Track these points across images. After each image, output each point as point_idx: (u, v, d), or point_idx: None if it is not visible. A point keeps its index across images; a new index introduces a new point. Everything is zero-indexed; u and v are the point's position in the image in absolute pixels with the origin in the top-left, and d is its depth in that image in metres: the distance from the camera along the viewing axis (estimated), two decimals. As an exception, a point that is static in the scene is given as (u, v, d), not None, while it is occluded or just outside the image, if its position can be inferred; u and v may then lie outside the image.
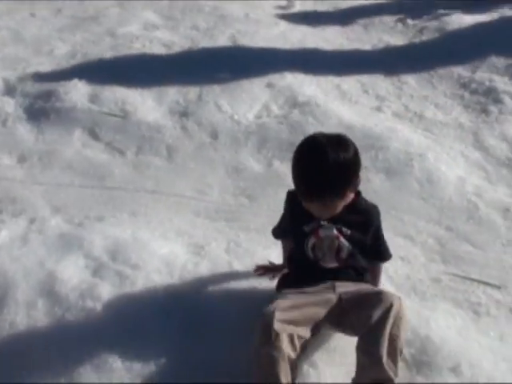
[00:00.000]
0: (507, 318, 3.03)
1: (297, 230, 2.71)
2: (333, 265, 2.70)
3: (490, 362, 2.72)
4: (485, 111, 4.68)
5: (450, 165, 4.09)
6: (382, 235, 2.83)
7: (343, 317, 2.60)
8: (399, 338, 2.47)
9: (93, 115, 4.70)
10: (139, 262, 3.21)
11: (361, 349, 2.48)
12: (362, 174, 2.60)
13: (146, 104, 4.72)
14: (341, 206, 2.55)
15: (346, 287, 2.66)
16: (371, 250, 2.77)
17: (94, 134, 4.56)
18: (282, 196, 3.80)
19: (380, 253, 2.86)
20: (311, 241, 2.68)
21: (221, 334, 2.81)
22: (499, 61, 5.15)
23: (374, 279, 2.87)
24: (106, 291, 3.07)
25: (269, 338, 2.41)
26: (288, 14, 6.72)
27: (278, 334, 2.40)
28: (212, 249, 3.36)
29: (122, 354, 2.80)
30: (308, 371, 2.61)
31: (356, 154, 2.52)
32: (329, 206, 2.53)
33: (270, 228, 3.47)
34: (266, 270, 3.10)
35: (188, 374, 2.66)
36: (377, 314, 2.49)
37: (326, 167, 2.42)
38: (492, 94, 4.81)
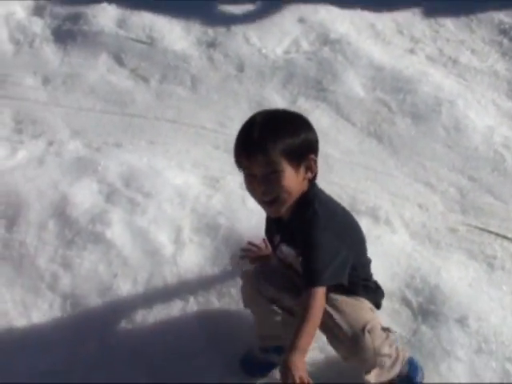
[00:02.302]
0: (522, 274, 2.96)
1: (269, 237, 2.53)
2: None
3: (498, 316, 2.67)
4: (523, 60, 4.50)
5: (479, 113, 3.95)
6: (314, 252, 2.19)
7: None
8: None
9: (119, 40, 4.62)
10: (152, 190, 3.19)
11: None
12: (316, 162, 2.21)
13: (174, 32, 4.62)
14: (282, 186, 2.13)
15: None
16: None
17: (119, 60, 4.49)
18: (304, 134, 3.77)
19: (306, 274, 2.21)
20: (278, 253, 2.42)
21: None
22: (543, 8, 4.92)
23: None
24: (117, 217, 3.06)
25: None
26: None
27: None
28: (227, 182, 3.32)
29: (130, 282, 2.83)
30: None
31: (304, 128, 2.21)
32: (265, 179, 2.13)
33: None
34: (253, 256, 2.82)
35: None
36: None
37: (258, 119, 2.18)
38: (532, 43, 4.62)
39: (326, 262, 2.15)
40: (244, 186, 3.22)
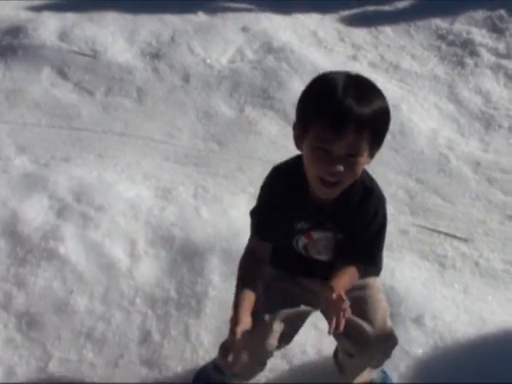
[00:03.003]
0: (472, 271, 3.04)
1: (283, 226, 2.09)
2: (329, 257, 2.16)
3: (452, 313, 2.74)
4: (461, 63, 4.62)
5: (423, 117, 4.05)
6: (379, 238, 2.11)
7: None
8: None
9: (62, 54, 4.56)
10: (104, 204, 3.15)
11: None
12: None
13: (117, 44, 4.60)
14: (354, 171, 1.88)
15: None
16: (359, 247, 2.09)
17: (62, 74, 4.43)
18: (253, 142, 3.80)
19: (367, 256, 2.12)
20: (302, 241, 2.13)
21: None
22: (477, 13, 5.07)
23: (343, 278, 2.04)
24: (69, 233, 3.02)
25: None
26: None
27: None
28: (179, 193, 3.31)
29: (86, 297, 2.80)
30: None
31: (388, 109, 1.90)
32: (348, 161, 1.84)
33: (239, 174, 3.43)
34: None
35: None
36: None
37: (364, 94, 1.82)
38: (469, 47, 4.75)
39: (382, 248, 2.13)
40: (197, 196, 3.31)
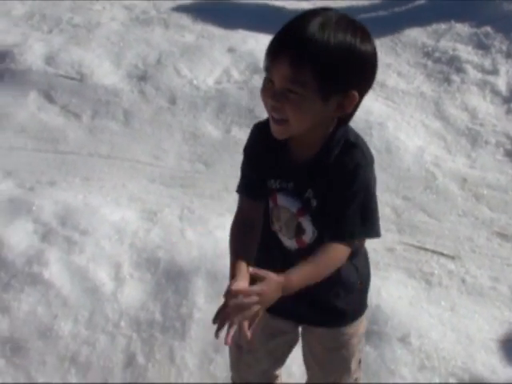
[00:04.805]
0: (459, 289, 3.03)
1: (259, 183, 1.86)
2: (293, 246, 1.90)
3: (438, 332, 2.72)
4: (447, 80, 4.63)
5: (409, 134, 4.05)
6: (364, 203, 1.76)
7: None
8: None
9: (48, 78, 4.57)
10: (89, 227, 3.14)
11: None
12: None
13: (104, 67, 4.62)
14: (295, 112, 1.64)
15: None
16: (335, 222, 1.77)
17: (49, 97, 4.44)
18: (239, 162, 3.78)
19: (341, 230, 1.76)
20: (270, 205, 1.89)
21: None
22: (463, 29, 5.09)
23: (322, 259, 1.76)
24: (54, 257, 3.01)
25: None
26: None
27: None
28: (164, 215, 3.30)
29: (71, 322, 2.78)
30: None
31: (369, 49, 1.67)
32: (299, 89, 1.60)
33: (225, 195, 3.43)
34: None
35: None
36: None
37: (312, 20, 1.62)
38: (455, 63, 4.76)
39: (376, 210, 1.78)
40: (182, 217, 3.29)
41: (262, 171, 1.84)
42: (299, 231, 1.85)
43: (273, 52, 1.62)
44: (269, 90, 1.66)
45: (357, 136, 1.79)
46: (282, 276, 1.64)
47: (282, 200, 1.84)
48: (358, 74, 1.65)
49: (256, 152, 1.86)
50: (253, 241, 1.86)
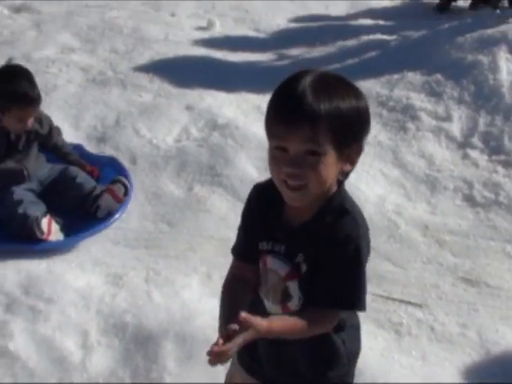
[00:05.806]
0: (429, 337, 3.04)
1: (252, 247, 1.88)
2: (278, 313, 1.86)
3: (410, 382, 2.72)
4: (403, 128, 4.72)
5: (369, 184, 4.10)
6: (350, 274, 1.76)
7: None
8: None
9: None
10: (53, 295, 3.10)
11: None
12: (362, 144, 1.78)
13: (62, 130, 4.58)
14: (318, 173, 1.67)
15: None
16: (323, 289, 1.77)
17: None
18: (203, 220, 3.79)
19: (330, 297, 1.76)
20: (260, 265, 1.88)
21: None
22: (415, 78, 5.21)
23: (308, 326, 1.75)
24: (19, 328, 2.95)
25: None
26: (208, 35, 6.68)
27: None
28: (130, 278, 3.27)
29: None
30: None
31: (362, 104, 1.74)
32: (301, 157, 1.65)
33: (190, 254, 3.41)
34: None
35: None
36: None
37: (309, 80, 1.68)
38: (409, 112, 4.86)
39: (364, 283, 1.77)
40: (148, 280, 3.27)
41: (255, 234, 1.86)
42: (286, 297, 1.83)
43: (288, 119, 1.65)
44: (282, 158, 1.68)
45: (353, 205, 1.81)
46: (266, 321, 1.66)
47: (271, 262, 1.84)
48: (362, 126, 1.73)
49: (251, 214, 1.89)
50: (245, 294, 1.88)
